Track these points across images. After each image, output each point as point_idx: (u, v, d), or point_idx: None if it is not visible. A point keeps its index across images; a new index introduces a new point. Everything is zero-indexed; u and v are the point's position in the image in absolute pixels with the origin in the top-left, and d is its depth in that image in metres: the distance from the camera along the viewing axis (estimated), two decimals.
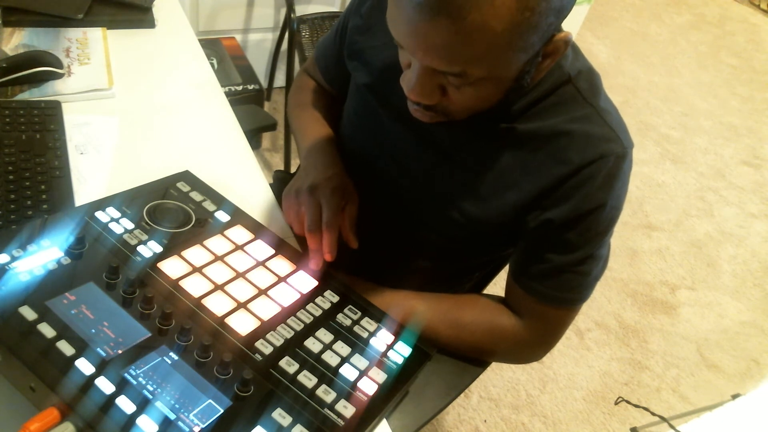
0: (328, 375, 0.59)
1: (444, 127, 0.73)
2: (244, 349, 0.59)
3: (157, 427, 0.49)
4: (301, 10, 1.72)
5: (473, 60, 0.54)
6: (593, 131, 0.68)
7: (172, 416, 0.50)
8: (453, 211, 0.75)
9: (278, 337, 0.61)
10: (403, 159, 0.79)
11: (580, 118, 0.68)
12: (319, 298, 0.69)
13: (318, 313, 0.66)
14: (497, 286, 0.95)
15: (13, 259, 0.58)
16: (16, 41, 1.00)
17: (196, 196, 0.77)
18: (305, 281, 0.70)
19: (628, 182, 0.72)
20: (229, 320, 0.61)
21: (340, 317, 0.67)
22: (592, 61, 0.73)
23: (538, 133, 0.69)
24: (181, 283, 0.63)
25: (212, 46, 2.00)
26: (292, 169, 1.78)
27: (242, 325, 0.61)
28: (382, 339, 0.66)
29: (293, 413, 0.54)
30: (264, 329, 0.62)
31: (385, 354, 0.64)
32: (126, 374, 0.51)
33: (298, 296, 0.68)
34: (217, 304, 0.62)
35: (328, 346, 0.62)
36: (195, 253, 0.68)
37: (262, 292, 0.66)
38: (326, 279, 0.71)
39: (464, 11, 0.49)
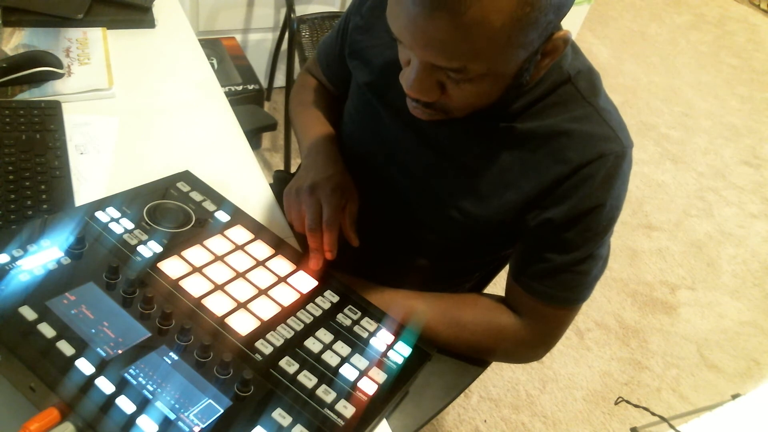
0: (328, 375, 0.59)
1: (443, 126, 0.73)
2: (244, 349, 0.59)
3: (157, 427, 0.49)
4: (301, 10, 1.72)
5: (472, 55, 0.54)
6: (593, 131, 0.68)
7: (172, 416, 0.50)
8: (452, 211, 0.76)
9: (278, 337, 0.61)
10: (403, 158, 0.80)
11: (580, 118, 0.68)
12: (319, 298, 0.69)
13: (318, 313, 0.66)
14: (497, 286, 0.95)
15: (13, 259, 0.58)
16: (16, 41, 1.00)
17: (196, 196, 0.77)
18: (305, 281, 0.70)
19: (627, 182, 0.72)
20: (229, 320, 0.61)
21: (340, 317, 0.67)
22: (592, 61, 0.73)
23: (537, 133, 0.69)
24: (181, 283, 0.63)
25: (212, 46, 2.00)
26: (293, 169, 1.78)
27: (242, 325, 0.61)
28: (382, 339, 0.66)
29: (293, 413, 0.54)
30: (264, 329, 0.62)
31: (385, 354, 0.64)
32: (126, 374, 0.51)
33: (298, 296, 0.68)
34: (217, 304, 0.62)
35: (328, 346, 0.62)
36: (195, 253, 0.68)
37: (262, 292, 0.66)
38: (326, 279, 0.71)
39: (464, 6, 0.49)
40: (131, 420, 0.48)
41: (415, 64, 0.59)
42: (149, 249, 0.66)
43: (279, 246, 0.74)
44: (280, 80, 2.25)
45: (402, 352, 0.65)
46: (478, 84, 0.59)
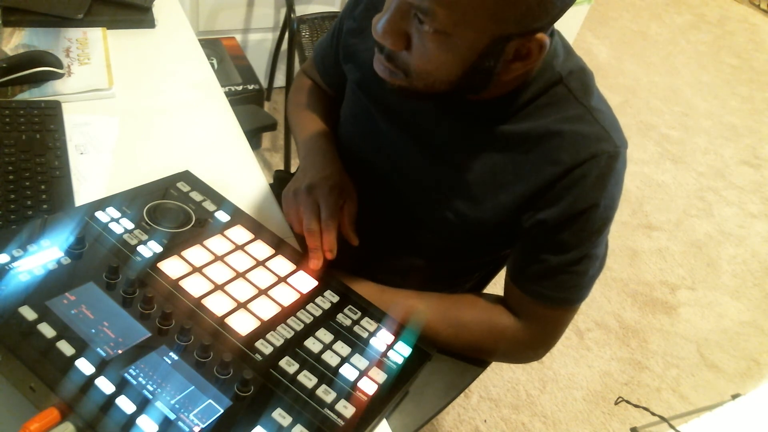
0: (328, 375, 0.59)
1: (436, 126, 0.73)
2: (244, 349, 0.59)
3: (157, 427, 0.49)
4: (301, 10, 1.72)
5: (443, 2, 0.54)
6: (585, 131, 0.68)
7: (172, 416, 0.50)
8: (447, 211, 0.76)
9: (278, 337, 0.61)
10: (397, 159, 0.80)
11: (572, 118, 0.68)
12: (319, 298, 0.69)
13: (318, 313, 0.66)
14: (497, 285, 0.95)
15: (13, 259, 0.58)
16: (16, 41, 1.00)
17: (196, 196, 0.77)
18: (305, 281, 0.70)
19: (622, 181, 0.72)
20: (229, 320, 0.61)
21: (340, 317, 0.67)
22: (592, 61, 0.73)
23: (529, 134, 0.69)
24: (181, 283, 0.63)
25: (212, 46, 2.00)
26: (292, 169, 1.78)
27: (242, 325, 0.61)
28: (382, 339, 0.66)
29: (293, 413, 0.54)
30: (264, 329, 0.62)
31: (385, 354, 0.64)
32: (126, 374, 0.51)
33: (298, 296, 0.68)
34: (217, 304, 0.62)
35: (328, 346, 0.62)
36: (195, 253, 0.68)
37: (262, 292, 0.66)
38: (326, 279, 0.71)
39: None
40: (131, 420, 0.48)
41: (391, 6, 0.59)
42: (149, 249, 0.66)
43: (279, 246, 0.74)
44: (280, 80, 2.25)
45: (402, 352, 0.65)
46: (441, 44, 0.58)
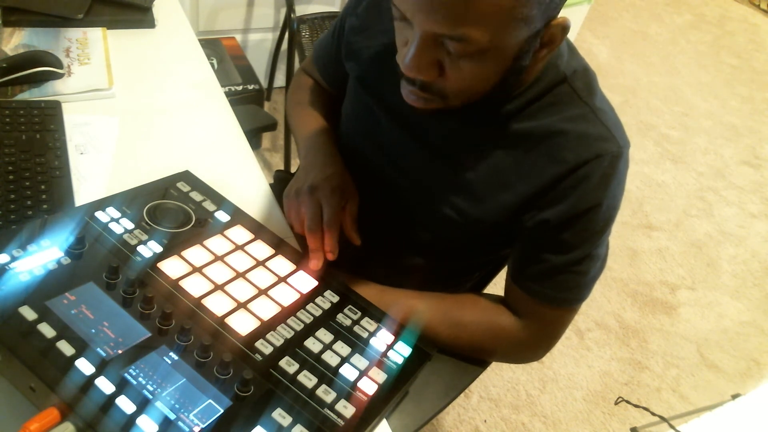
0: (328, 375, 0.59)
1: (438, 125, 0.73)
2: (244, 349, 0.59)
3: (157, 427, 0.49)
4: (301, 10, 1.72)
5: (475, 22, 0.53)
6: (588, 131, 0.68)
7: (172, 416, 0.50)
8: (448, 210, 0.75)
9: (278, 337, 0.61)
10: (398, 157, 0.80)
11: (576, 118, 0.68)
12: (319, 298, 0.69)
13: (318, 313, 0.66)
14: (497, 285, 0.95)
15: (13, 259, 0.58)
16: (16, 41, 1.00)
17: (196, 196, 0.77)
18: (305, 281, 0.70)
19: (624, 181, 0.72)
20: (229, 320, 0.61)
21: (340, 317, 0.67)
22: (592, 61, 0.73)
23: (533, 133, 0.69)
24: (181, 283, 0.63)
25: (212, 46, 2.00)
26: (293, 169, 1.78)
27: (242, 325, 0.61)
28: (382, 339, 0.66)
29: (293, 413, 0.54)
30: (264, 329, 0.62)
31: (385, 354, 0.64)
32: (126, 374, 0.51)
33: (298, 296, 0.68)
34: (217, 304, 0.62)
35: (328, 346, 0.62)
36: (195, 253, 0.68)
37: (262, 292, 0.66)
38: (326, 279, 0.71)
39: None
40: (131, 420, 0.48)
41: (415, 38, 0.57)
42: (149, 249, 0.66)
43: (279, 246, 0.74)
44: (280, 80, 2.25)
45: (402, 352, 0.65)
46: (477, 62, 0.58)
